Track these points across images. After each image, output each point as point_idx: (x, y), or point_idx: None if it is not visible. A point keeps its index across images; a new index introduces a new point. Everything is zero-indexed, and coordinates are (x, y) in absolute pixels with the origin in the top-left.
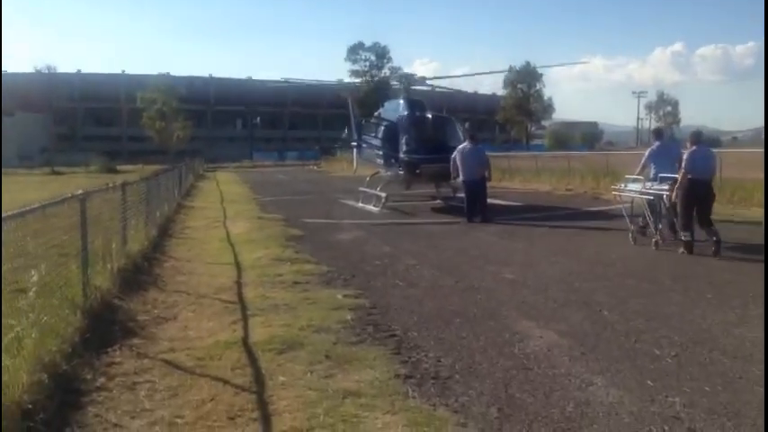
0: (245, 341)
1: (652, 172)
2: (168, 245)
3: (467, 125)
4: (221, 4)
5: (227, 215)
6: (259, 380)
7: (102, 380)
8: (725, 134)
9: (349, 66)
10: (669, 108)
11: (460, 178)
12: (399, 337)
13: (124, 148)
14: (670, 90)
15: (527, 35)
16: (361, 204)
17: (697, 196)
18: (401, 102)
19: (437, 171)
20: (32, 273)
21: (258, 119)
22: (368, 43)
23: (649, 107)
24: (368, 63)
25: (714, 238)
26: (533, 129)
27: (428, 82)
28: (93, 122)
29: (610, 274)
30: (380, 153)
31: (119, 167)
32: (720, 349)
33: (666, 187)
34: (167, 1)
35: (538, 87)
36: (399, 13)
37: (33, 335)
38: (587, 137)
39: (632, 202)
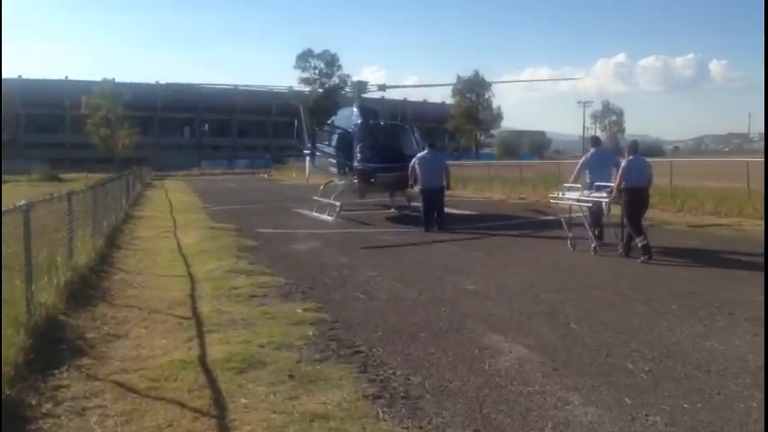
0: (202, 360)
1: (588, 179)
2: (117, 256)
3: (416, 133)
4: (167, 9)
5: (177, 225)
6: (219, 402)
7: (48, 405)
8: (667, 143)
9: (299, 73)
10: (614, 117)
11: (418, 186)
12: (365, 354)
13: (68, 156)
14: (614, 100)
15: (473, 45)
16: (315, 214)
17: (637, 203)
18: (354, 110)
19: (392, 180)
20: None
21: (206, 126)
22: (317, 50)
23: (595, 116)
24: (317, 71)
25: (632, 244)
26: (482, 137)
27: (377, 91)
28: (36, 129)
29: (573, 285)
30: (334, 162)
31: (63, 176)
32: (693, 363)
33: (605, 195)
34: (111, 5)
35: (486, 96)
36: (347, 21)
37: None
38: (535, 145)
39: (570, 210)
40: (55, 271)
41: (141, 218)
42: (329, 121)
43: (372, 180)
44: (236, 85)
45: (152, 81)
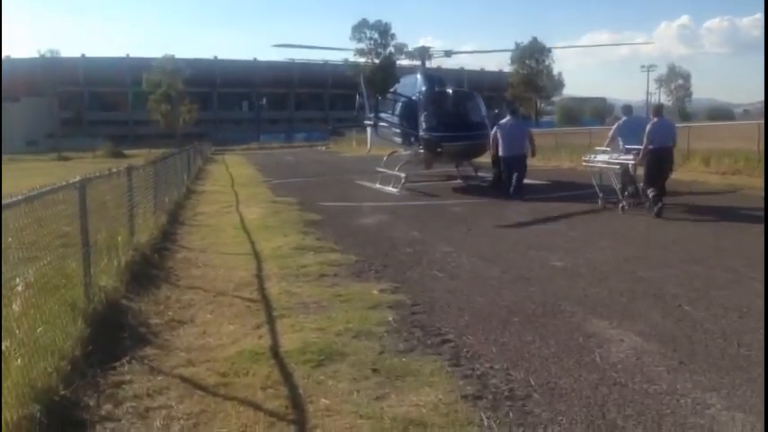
0: (274, 350)
1: (621, 144)
2: (180, 233)
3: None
4: None
5: (239, 199)
6: (297, 404)
7: (108, 406)
8: (736, 107)
9: (354, 44)
10: (681, 81)
11: (500, 153)
12: (454, 343)
13: (130, 133)
14: (679, 63)
15: (530, 12)
16: (378, 185)
17: (658, 163)
18: (419, 77)
19: (460, 149)
20: (25, 273)
21: (264, 100)
22: (371, 21)
23: (660, 81)
24: (372, 41)
25: (660, 203)
26: (543, 105)
27: (442, 57)
28: (99, 107)
29: (671, 260)
30: (398, 131)
31: (126, 152)
32: None
33: (631, 157)
34: None
35: (547, 63)
36: None
37: (22, 355)
38: (597, 112)
39: (600, 172)
40: (115, 251)
41: (203, 192)
42: (392, 90)
43: (439, 150)
44: (293, 59)
45: (210, 57)
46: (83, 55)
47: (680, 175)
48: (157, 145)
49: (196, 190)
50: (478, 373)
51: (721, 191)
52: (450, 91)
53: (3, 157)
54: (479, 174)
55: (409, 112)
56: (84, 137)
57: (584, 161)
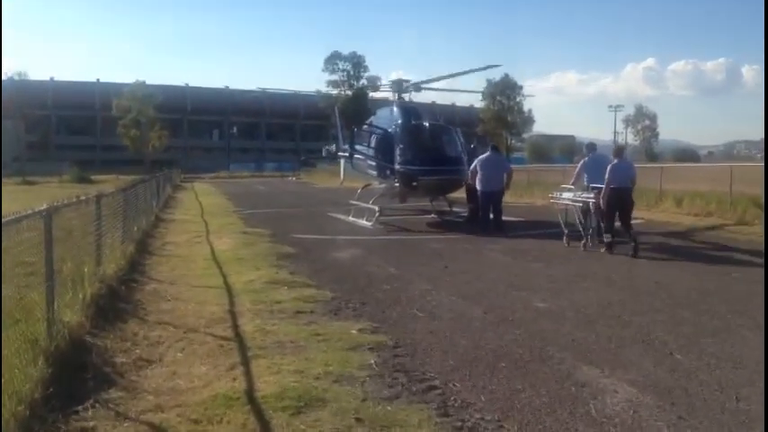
0: (250, 395)
1: (585, 182)
2: (149, 264)
3: (460, 135)
4: (196, 15)
5: (209, 229)
6: None
7: None
8: (701, 148)
9: (327, 76)
10: (647, 122)
11: (479, 188)
12: (441, 390)
13: (98, 158)
14: (645, 104)
15: (499, 50)
16: (352, 218)
17: (618, 203)
18: (395, 109)
19: (436, 184)
20: None
21: (235, 129)
22: (344, 53)
23: (627, 121)
24: (345, 73)
25: (632, 243)
26: (513, 141)
27: (414, 92)
28: (67, 131)
29: (656, 304)
30: (373, 164)
31: (93, 177)
32: None
33: (593, 195)
34: (143, 10)
35: (518, 99)
36: (372, 25)
37: None
38: (566, 149)
39: (566, 209)
40: (81, 283)
41: (173, 221)
42: (368, 122)
43: (415, 183)
44: (265, 89)
45: (182, 84)
46: (51, 78)
47: (653, 215)
48: (126, 171)
49: (165, 218)
50: (469, 425)
51: (696, 232)
52: (427, 124)
53: None
54: (454, 209)
55: (385, 145)
56: (51, 161)
57: (551, 198)
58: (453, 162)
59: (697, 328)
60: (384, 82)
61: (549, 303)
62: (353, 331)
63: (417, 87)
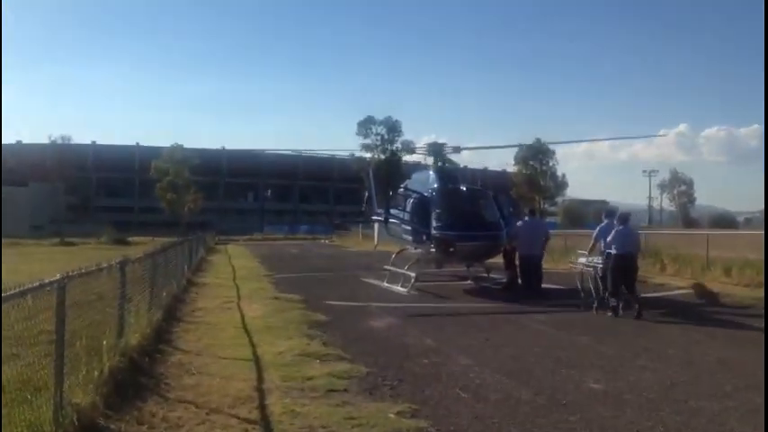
0: None
1: (602, 247)
2: (175, 332)
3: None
4: (230, 78)
5: (240, 294)
6: None
7: None
8: (737, 214)
9: (360, 140)
10: (683, 187)
11: (519, 252)
12: None
13: (136, 219)
14: (679, 169)
15: (531, 114)
16: (386, 284)
17: (623, 268)
18: (431, 173)
19: (474, 250)
20: None
21: (269, 191)
22: (379, 117)
23: (662, 186)
24: (379, 137)
25: (637, 305)
26: (546, 206)
27: (452, 153)
28: (106, 193)
29: (724, 386)
30: (409, 228)
31: (129, 239)
32: None
33: (601, 260)
34: (180, 75)
35: (551, 164)
36: (403, 89)
37: None
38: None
39: (582, 273)
40: (98, 357)
41: (204, 285)
42: (403, 185)
43: (452, 249)
44: (300, 151)
45: (218, 147)
46: (93, 142)
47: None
48: (161, 233)
49: (197, 282)
50: None
51: (752, 305)
52: (464, 188)
53: (4, 240)
54: (491, 275)
55: (421, 209)
56: (90, 222)
57: (570, 264)
58: (491, 227)
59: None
60: (419, 145)
61: (605, 384)
62: (391, 415)
63: (457, 149)
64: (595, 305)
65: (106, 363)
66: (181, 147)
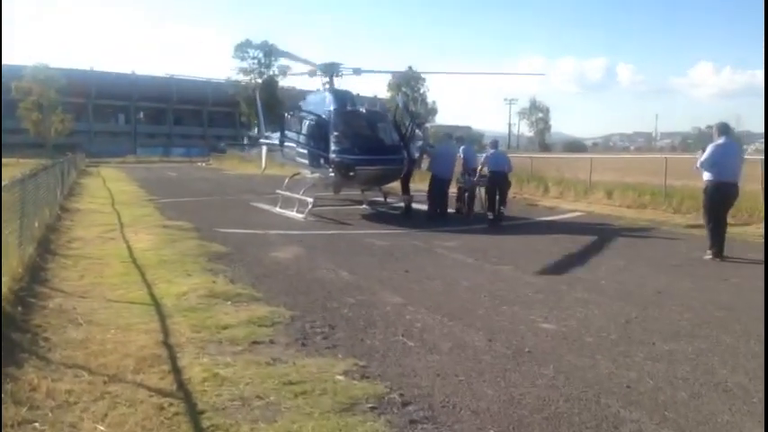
0: None
1: (486, 170)
2: (52, 268)
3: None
4: None
5: (123, 222)
6: None
7: None
8: (585, 140)
9: (237, 63)
10: (540, 115)
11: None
12: None
13: None
14: (537, 98)
15: (405, 40)
16: (279, 209)
17: (497, 183)
18: (328, 94)
19: (374, 174)
20: None
21: (141, 114)
22: (255, 41)
23: (522, 113)
24: (256, 61)
25: (498, 214)
26: (417, 131)
27: (352, 75)
28: None
29: (681, 323)
30: (305, 152)
31: None
32: None
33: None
34: None
35: (422, 91)
36: (285, 15)
37: None
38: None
39: (460, 190)
40: None
41: (79, 211)
42: (297, 107)
43: (352, 173)
44: (173, 75)
45: (86, 68)
46: None
47: (587, 207)
48: (27, 154)
49: (71, 208)
50: None
51: (647, 227)
52: (364, 110)
53: None
54: (388, 200)
55: (318, 132)
56: None
57: (459, 183)
58: (392, 151)
59: (758, 361)
60: (307, 68)
61: (556, 323)
62: (339, 377)
63: (358, 71)
64: (491, 217)
65: None
66: (45, 66)
